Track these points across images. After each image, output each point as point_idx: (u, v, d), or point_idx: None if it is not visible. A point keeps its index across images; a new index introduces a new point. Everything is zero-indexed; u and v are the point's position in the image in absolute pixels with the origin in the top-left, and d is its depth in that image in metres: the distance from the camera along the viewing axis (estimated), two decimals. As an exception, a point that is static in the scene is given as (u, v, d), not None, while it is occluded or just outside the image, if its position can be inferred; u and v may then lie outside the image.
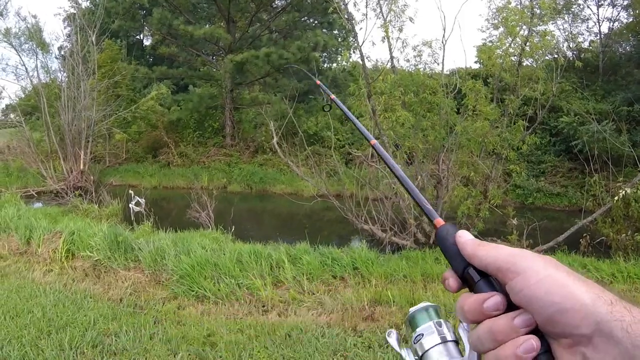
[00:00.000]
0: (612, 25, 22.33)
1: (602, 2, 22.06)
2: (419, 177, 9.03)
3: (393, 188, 8.98)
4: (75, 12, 21.95)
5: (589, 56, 20.50)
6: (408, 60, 9.90)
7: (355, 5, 8.93)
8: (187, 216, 10.26)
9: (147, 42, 36.91)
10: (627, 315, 0.49)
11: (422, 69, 9.84)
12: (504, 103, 9.01)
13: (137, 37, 36.67)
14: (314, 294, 5.82)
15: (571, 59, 15.60)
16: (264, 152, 21.27)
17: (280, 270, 6.37)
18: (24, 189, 16.36)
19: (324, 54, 26.21)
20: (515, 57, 9.08)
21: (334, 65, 32.35)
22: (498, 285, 0.59)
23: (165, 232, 8.60)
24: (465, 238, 0.64)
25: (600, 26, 22.36)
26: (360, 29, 8.80)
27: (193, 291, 5.78)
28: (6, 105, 30.08)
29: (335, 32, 27.07)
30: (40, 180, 17.75)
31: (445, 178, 9.00)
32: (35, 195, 16.34)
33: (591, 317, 0.49)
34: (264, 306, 5.53)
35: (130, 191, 11.52)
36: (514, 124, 8.81)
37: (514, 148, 8.95)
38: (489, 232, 9.29)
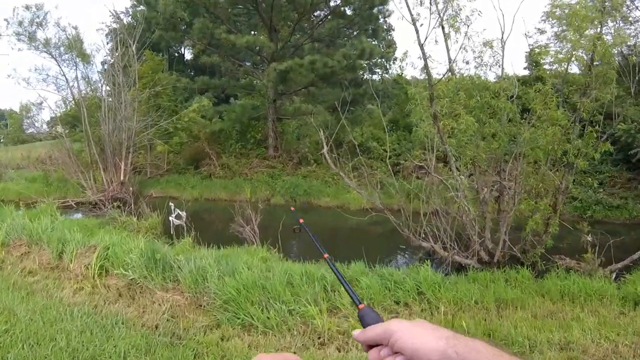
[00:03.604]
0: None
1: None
2: (484, 189, 8.20)
3: (455, 201, 8.18)
4: (117, 27, 22.01)
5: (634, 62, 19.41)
6: (467, 62, 9.12)
7: (421, 3, 8.10)
8: (230, 230, 9.62)
9: (188, 55, 37.23)
10: (457, 343, 0.75)
11: (483, 72, 9.07)
12: (577, 107, 8.13)
13: (179, 51, 37.02)
14: (376, 323, 5.04)
15: (620, 63, 14.46)
16: (308, 164, 20.72)
17: (335, 294, 5.61)
18: (63, 199, 16.13)
19: (368, 62, 25.55)
20: (587, 55, 8.22)
21: (374, 76, 31.85)
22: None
23: (207, 247, 7.98)
24: (355, 335, 0.91)
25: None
26: (421, 25, 7.98)
27: (239, 318, 5.03)
28: (51, 117, 30.59)
29: (375, 42, 26.46)
30: (80, 191, 17.56)
31: (511, 189, 8.15)
32: (75, 205, 16.09)
33: (436, 351, 0.74)
34: (319, 338, 4.75)
35: (170, 203, 10.96)
36: (584, 130, 7.91)
37: (588, 157, 8.04)
38: (556, 250, 8.35)
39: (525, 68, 22.85)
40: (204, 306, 5.52)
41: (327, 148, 8.74)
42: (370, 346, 0.86)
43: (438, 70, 9.33)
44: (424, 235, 8.32)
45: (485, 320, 5.29)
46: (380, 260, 7.88)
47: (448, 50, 8.50)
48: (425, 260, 7.10)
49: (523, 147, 7.96)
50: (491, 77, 9.25)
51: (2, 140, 43.55)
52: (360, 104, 23.13)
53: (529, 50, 19.74)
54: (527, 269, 7.16)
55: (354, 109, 22.92)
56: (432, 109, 7.87)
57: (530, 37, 21.79)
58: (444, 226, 8.39)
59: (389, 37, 33.08)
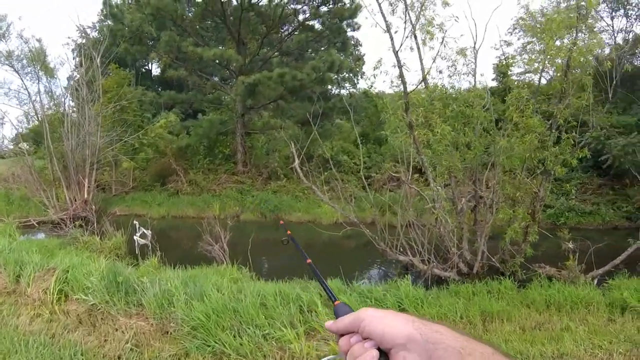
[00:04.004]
0: (627, 37, 22.06)
1: (614, 13, 21.79)
2: (462, 200, 8.00)
3: (432, 213, 7.95)
4: (83, 42, 21.54)
5: (607, 68, 20.02)
6: (441, 72, 8.97)
7: (393, 12, 7.89)
8: (198, 249, 9.19)
9: (155, 71, 36.78)
10: (422, 327, 0.80)
11: (456, 80, 8.96)
12: (549, 116, 8.06)
13: (146, 66, 36.54)
14: (356, 345, 4.69)
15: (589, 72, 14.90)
16: (278, 179, 20.42)
17: (312, 314, 5.27)
18: (25, 219, 15.42)
19: (336, 76, 25.42)
20: (563, 61, 8.14)
21: (342, 91, 31.80)
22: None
23: (174, 268, 7.59)
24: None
25: (615, 38, 22.11)
26: (396, 32, 7.76)
27: (209, 346, 4.62)
28: (15, 134, 29.84)
29: (343, 56, 26.38)
30: (42, 210, 16.87)
31: (489, 199, 7.98)
32: (36, 225, 15.37)
33: (402, 334, 0.80)
34: (297, 364, 4.42)
35: (135, 222, 10.48)
36: (560, 137, 7.81)
37: (565, 164, 7.93)
38: (534, 258, 8.25)
39: (493, 79, 23.16)
40: (171, 333, 5.10)
41: (298, 161, 8.42)
42: (342, 335, 0.91)
43: (411, 80, 9.18)
44: (401, 249, 8.06)
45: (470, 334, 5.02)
46: (357, 275, 7.65)
47: (421, 60, 8.33)
48: (405, 275, 6.84)
49: (499, 156, 7.81)
50: (465, 86, 9.16)
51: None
52: (330, 118, 22.94)
53: (497, 62, 20.02)
54: (508, 279, 7.05)
55: (323, 123, 22.76)
56: (407, 117, 7.64)
57: (497, 49, 22.17)
58: (420, 239, 8.17)
59: (357, 51, 33.15)
